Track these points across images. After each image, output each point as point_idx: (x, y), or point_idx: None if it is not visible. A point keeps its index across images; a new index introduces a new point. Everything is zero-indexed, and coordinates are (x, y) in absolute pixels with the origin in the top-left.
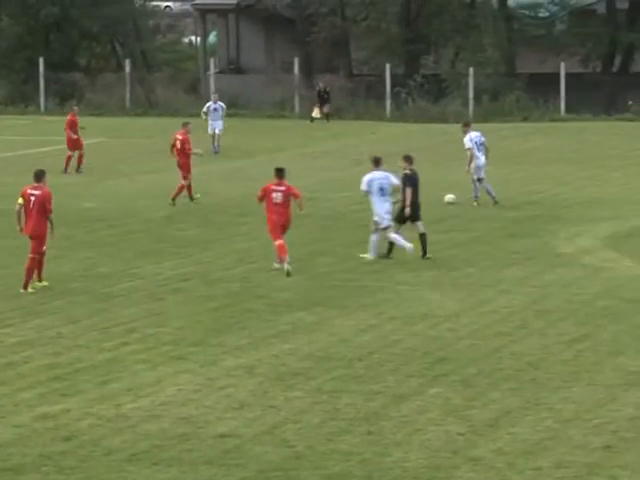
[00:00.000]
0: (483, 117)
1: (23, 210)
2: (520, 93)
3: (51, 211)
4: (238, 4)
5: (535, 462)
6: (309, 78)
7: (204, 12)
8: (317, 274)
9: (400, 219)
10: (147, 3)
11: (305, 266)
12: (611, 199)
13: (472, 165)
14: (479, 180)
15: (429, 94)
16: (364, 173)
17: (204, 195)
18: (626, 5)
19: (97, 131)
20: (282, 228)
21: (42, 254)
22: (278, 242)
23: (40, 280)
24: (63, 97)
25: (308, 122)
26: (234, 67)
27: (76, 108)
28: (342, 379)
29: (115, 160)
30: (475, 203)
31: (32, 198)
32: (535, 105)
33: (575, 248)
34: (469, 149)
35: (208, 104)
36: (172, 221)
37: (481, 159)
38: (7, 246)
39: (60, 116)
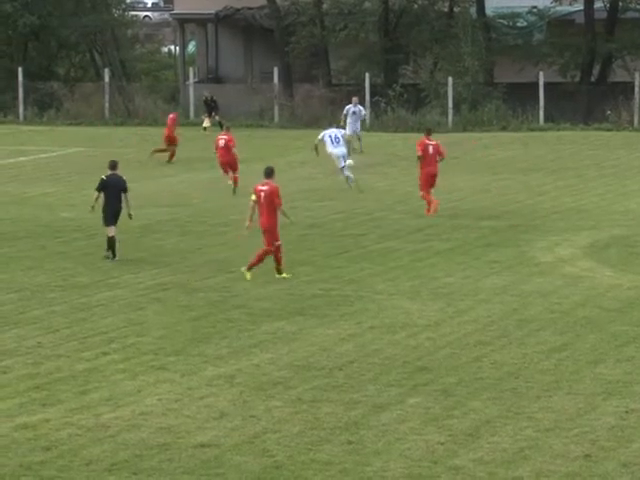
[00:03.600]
0: (462, 126)
1: (257, 206)
2: (499, 103)
3: (280, 204)
4: (217, 14)
5: (515, 471)
6: (288, 88)
7: (183, 22)
8: (297, 283)
9: (106, 222)
10: (126, 13)
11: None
12: (589, 209)
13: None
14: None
15: (408, 103)
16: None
17: (183, 205)
18: (604, 15)
19: (75, 141)
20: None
21: (277, 247)
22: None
23: (280, 272)
24: (41, 106)
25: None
26: (213, 76)
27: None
28: (322, 388)
29: (93, 170)
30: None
31: (262, 194)
32: (513, 114)
33: (554, 257)
34: (319, 141)
35: (348, 107)
36: (150, 231)
37: (335, 151)
38: None
39: (39, 125)
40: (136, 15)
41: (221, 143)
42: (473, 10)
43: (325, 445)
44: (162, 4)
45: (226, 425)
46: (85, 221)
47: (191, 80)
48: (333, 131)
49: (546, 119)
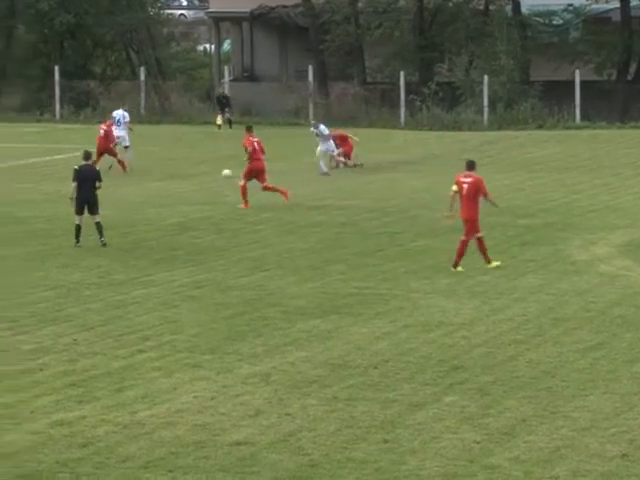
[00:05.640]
0: (498, 125)
1: (458, 197)
2: (534, 101)
3: (486, 194)
4: (252, 12)
5: (552, 471)
6: (323, 86)
7: (218, 20)
8: (331, 282)
9: (75, 210)
10: (161, 11)
11: (319, 274)
12: (625, 207)
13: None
14: (126, 147)
15: (443, 102)
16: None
17: (218, 203)
18: None
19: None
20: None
21: (480, 239)
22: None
23: (489, 262)
24: (78, 105)
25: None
26: (248, 75)
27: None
28: (357, 387)
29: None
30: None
31: (465, 185)
32: (549, 113)
33: (590, 256)
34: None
35: (311, 129)
36: (185, 229)
37: (116, 132)
38: (26, 252)
39: (75, 124)
40: (171, 13)
41: (101, 132)
42: (509, 8)
43: (361, 444)
44: (197, 2)
45: (261, 423)
46: (120, 219)
47: (226, 78)
48: (120, 112)
49: (582, 117)
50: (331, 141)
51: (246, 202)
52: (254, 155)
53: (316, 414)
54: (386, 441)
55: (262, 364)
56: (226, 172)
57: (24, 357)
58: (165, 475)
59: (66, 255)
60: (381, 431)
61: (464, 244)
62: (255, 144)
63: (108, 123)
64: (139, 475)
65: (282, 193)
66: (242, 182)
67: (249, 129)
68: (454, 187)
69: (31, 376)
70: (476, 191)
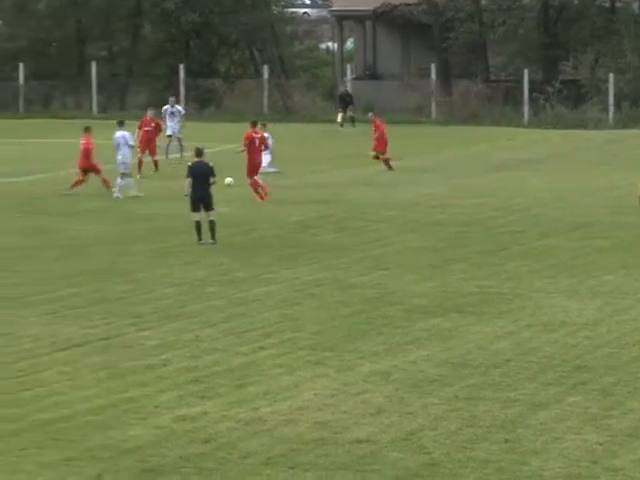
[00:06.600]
0: (623, 123)
1: None
2: None
3: None
4: (375, 11)
5: None
6: (446, 84)
7: (341, 19)
8: (452, 281)
9: (191, 207)
10: (285, 10)
11: (440, 273)
12: None
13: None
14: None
15: (567, 100)
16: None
17: (340, 201)
18: None
19: (235, 137)
20: None
21: None
22: None
23: None
24: (202, 103)
25: (351, 127)
26: (371, 73)
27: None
28: (478, 386)
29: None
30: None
31: None
32: None
33: None
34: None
35: (165, 108)
36: (306, 226)
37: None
38: (148, 249)
39: (199, 122)
40: (295, 12)
41: (81, 147)
42: (636, 5)
43: (482, 443)
44: (320, 1)
45: (382, 421)
46: (240, 217)
47: (349, 77)
48: (118, 137)
49: None
50: (269, 155)
51: (262, 195)
52: (252, 151)
53: (437, 413)
54: (507, 441)
55: (383, 362)
56: (228, 180)
57: (148, 353)
58: (286, 471)
59: (188, 252)
60: (502, 431)
61: None
62: (256, 140)
63: (146, 120)
64: (260, 471)
65: (263, 194)
66: (250, 180)
67: (254, 124)
68: None
69: (155, 371)
70: None
